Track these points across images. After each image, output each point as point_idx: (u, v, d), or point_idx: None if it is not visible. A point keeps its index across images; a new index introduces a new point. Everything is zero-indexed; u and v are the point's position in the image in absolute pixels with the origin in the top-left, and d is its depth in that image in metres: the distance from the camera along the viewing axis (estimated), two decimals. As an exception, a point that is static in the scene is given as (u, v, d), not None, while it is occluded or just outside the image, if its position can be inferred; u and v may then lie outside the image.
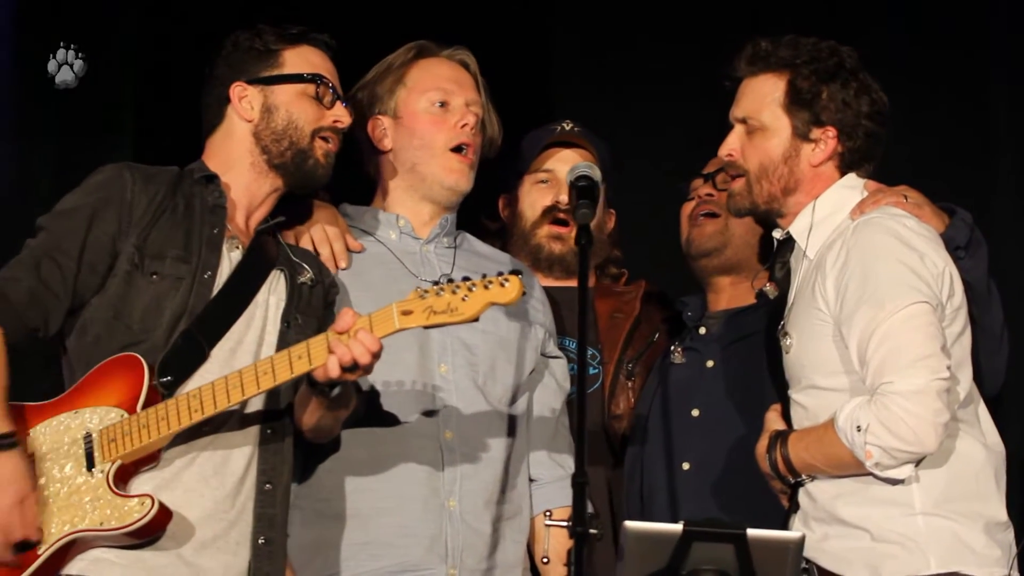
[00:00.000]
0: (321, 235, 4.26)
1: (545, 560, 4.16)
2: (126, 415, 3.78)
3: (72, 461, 3.79)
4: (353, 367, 3.74)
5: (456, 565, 4.12)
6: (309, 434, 4.02)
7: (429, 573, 4.11)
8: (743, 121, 4.09)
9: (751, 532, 3.54)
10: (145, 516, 3.72)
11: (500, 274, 3.69)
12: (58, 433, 3.82)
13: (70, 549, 3.76)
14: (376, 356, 3.74)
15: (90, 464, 3.78)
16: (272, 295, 4.02)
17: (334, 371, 3.74)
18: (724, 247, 4.58)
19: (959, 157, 5.47)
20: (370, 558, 4.11)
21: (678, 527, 3.55)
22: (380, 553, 4.11)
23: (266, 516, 3.93)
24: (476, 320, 3.72)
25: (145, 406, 3.79)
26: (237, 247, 4.00)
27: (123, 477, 3.78)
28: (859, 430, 3.75)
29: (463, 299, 3.68)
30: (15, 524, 3.70)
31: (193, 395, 3.77)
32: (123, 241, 3.90)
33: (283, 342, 3.96)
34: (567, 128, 4.70)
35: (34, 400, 3.90)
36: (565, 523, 3.58)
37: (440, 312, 3.68)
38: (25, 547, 3.74)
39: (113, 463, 3.77)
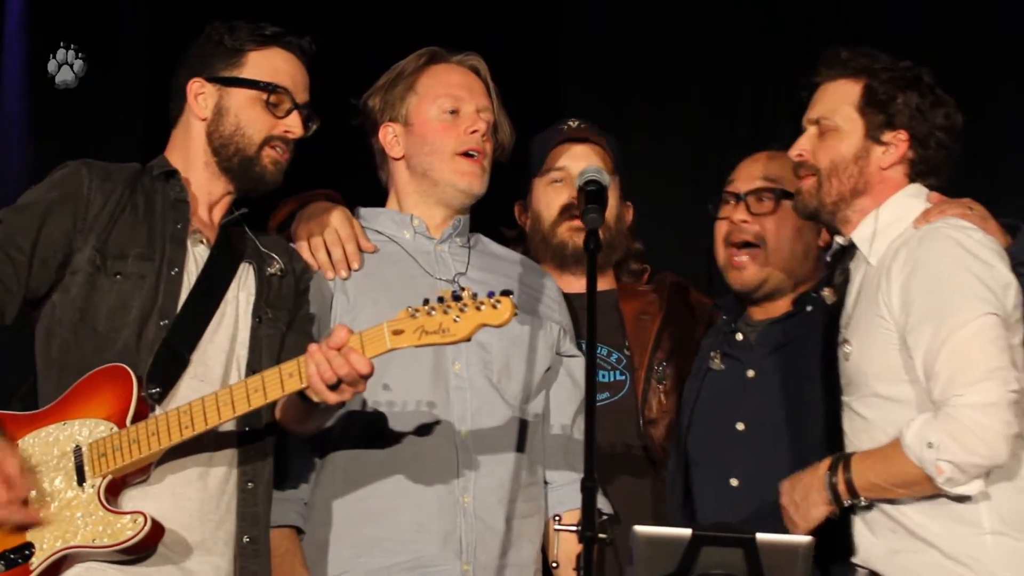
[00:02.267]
0: (334, 237, 4.26)
1: (555, 565, 4.16)
2: (115, 428, 3.78)
3: (62, 475, 3.78)
4: (337, 385, 3.72)
5: (470, 561, 4.13)
6: (292, 431, 4.02)
7: (443, 569, 4.11)
8: (816, 122, 4.08)
9: (760, 536, 3.55)
10: (138, 534, 3.72)
11: (491, 295, 3.67)
12: (47, 445, 3.81)
13: (63, 562, 3.76)
14: (365, 377, 3.73)
15: (80, 478, 3.77)
16: (242, 290, 4.01)
17: (323, 393, 3.74)
18: (765, 283, 4.49)
19: (965, 158, 5.47)
20: (384, 553, 4.11)
21: (687, 531, 3.55)
22: (395, 549, 4.11)
23: (249, 515, 3.93)
24: (468, 341, 3.71)
25: (135, 418, 3.78)
26: (202, 242, 3.99)
27: (114, 491, 3.77)
28: (930, 446, 3.74)
29: (454, 320, 3.66)
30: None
31: (184, 411, 3.76)
32: (79, 239, 3.90)
33: (255, 338, 3.97)
34: (574, 125, 4.69)
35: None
36: (574, 527, 3.58)
37: (431, 332, 3.67)
38: (16, 562, 3.74)
39: (104, 478, 3.76)
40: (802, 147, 4.09)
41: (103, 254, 3.90)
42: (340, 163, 4.27)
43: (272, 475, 4.00)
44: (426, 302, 3.69)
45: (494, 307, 3.66)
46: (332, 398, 3.74)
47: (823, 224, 4.21)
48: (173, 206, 3.98)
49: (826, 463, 3.94)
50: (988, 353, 3.77)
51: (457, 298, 3.68)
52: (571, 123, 4.70)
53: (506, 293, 3.68)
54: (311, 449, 4.16)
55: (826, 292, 4.25)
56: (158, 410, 3.81)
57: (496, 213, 4.55)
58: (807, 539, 3.61)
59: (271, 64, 4.03)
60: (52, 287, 3.90)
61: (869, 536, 3.93)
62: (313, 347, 3.73)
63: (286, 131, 4.01)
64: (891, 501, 3.88)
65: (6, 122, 5.63)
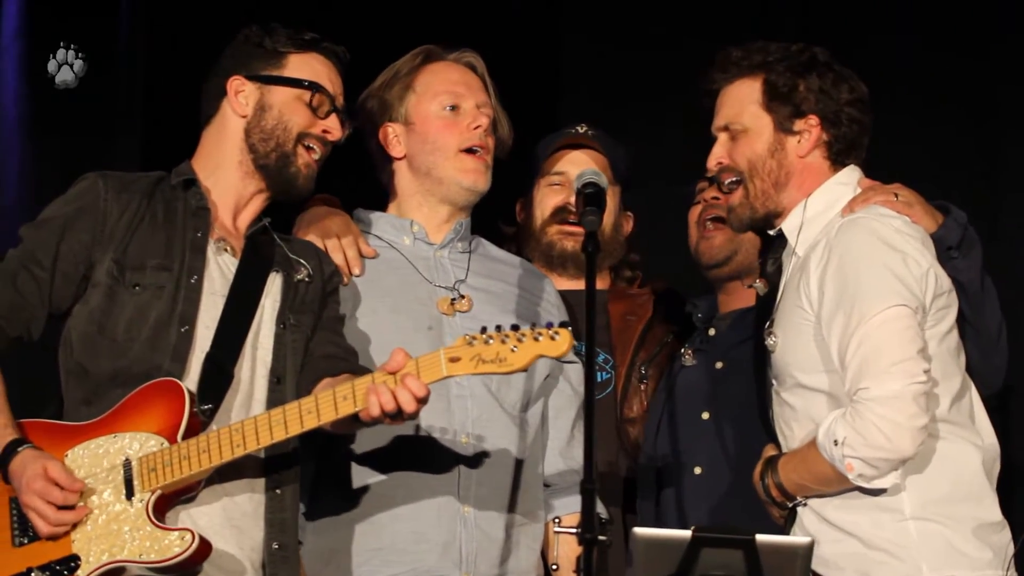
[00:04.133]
0: (334, 243, 4.25)
1: (555, 567, 4.17)
2: (166, 443, 3.76)
3: (111, 488, 3.77)
4: (397, 413, 3.72)
5: (470, 571, 4.12)
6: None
7: (443, 579, 4.12)
8: (725, 128, 4.11)
9: (760, 537, 3.55)
10: (186, 551, 3.70)
11: (550, 325, 3.67)
12: (96, 457, 3.79)
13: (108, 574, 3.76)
14: (423, 402, 3.72)
15: (129, 492, 3.75)
16: (268, 297, 4.00)
17: (378, 418, 3.73)
18: (734, 255, 4.59)
19: (967, 159, 5.48)
20: (383, 564, 4.11)
21: (687, 533, 3.55)
22: (393, 559, 4.11)
23: (277, 521, 3.92)
24: (524, 371, 3.72)
25: (186, 434, 3.77)
26: (225, 249, 3.99)
27: (161, 507, 3.76)
28: (836, 444, 3.76)
29: (512, 349, 3.66)
30: (51, 490, 3.71)
31: (236, 429, 3.75)
32: (99, 251, 3.90)
33: (279, 344, 3.96)
34: (581, 131, 4.71)
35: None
36: (574, 530, 3.58)
37: (488, 361, 3.67)
38: (62, 574, 3.73)
39: (153, 493, 3.75)
40: (718, 155, 4.12)
41: (121, 266, 3.90)
42: (336, 166, 4.27)
43: (299, 481, 3.99)
44: (483, 330, 3.68)
45: (552, 338, 3.66)
46: (386, 423, 3.76)
47: (761, 228, 4.21)
48: (194, 214, 3.98)
49: (757, 469, 3.99)
50: (893, 345, 3.78)
51: (515, 327, 3.68)
52: (578, 128, 4.72)
53: (564, 325, 3.69)
54: (310, 458, 4.14)
55: (758, 283, 4.34)
56: (213, 427, 3.80)
57: (494, 209, 4.54)
58: (807, 540, 3.63)
59: (311, 67, 4.06)
60: (75, 300, 3.91)
61: (796, 529, 3.95)
62: (371, 379, 3.73)
63: (325, 131, 4.04)
64: (819, 495, 3.91)
65: (5, 123, 5.63)
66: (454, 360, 3.69)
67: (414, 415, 3.74)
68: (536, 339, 3.66)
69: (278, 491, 3.92)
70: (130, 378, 3.83)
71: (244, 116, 4.03)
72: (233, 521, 3.87)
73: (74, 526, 3.75)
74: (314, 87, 4.03)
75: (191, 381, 3.85)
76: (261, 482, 3.91)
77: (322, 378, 3.92)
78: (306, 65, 4.06)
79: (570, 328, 3.69)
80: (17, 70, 5.58)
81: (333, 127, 4.05)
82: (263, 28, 4.08)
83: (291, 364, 3.96)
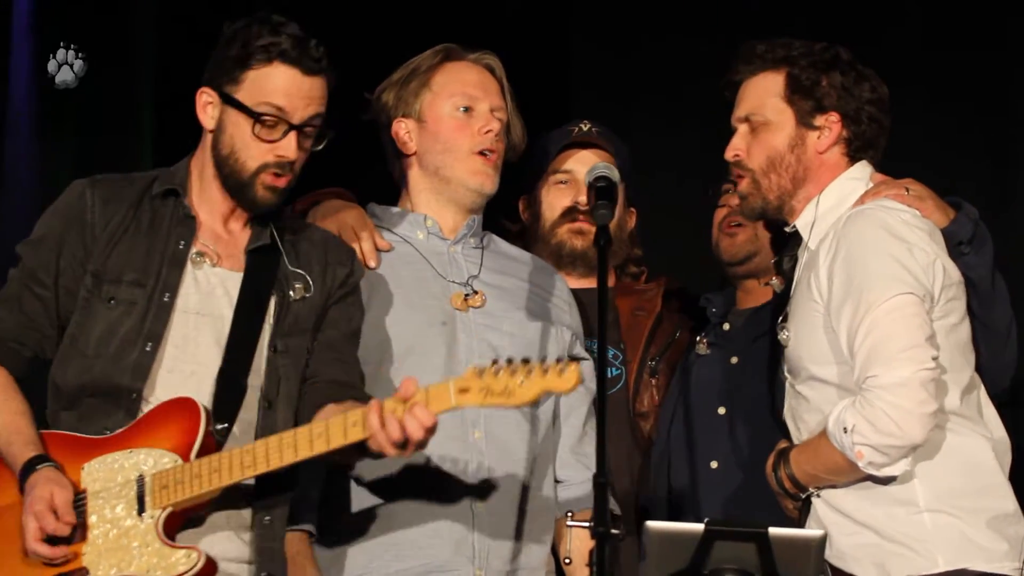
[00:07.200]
0: (350, 235, 4.25)
1: (567, 561, 4.17)
2: (180, 461, 3.76)
3: (123, 503, 3.76)
4: (404, 443, 3.70)
5: (483, 566, 4.13)
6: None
7: (455, 574, 4.11)
8: (746, 120, 4.12)
9: (773, 531, 3.56)
10: (191, 570, 3.70)
11: (559, 360, 3.65)
12: (111, 471, 3.79)
13: None
14: (430, 432, 3.70)
15: (141, 508, 3.75)
16: (264, 321, 3.97)
17: (386, 447, 3.70)
18: (754, 255, 4.60)
19: (977, 154, 5.49)
20: (396, 559, 4.11)
21: (700, 526, 3.56)
22: (406, 554, 4.11)
23: (267, 551, 3.90)
24: (532, 405, 3.73)
25: (200, 453, 3.76)
26: (208, 262, 3.94)
27: (172, 525, 3.76)
28: (846, 432, 3.78)
29: (520, 383, 3.65)
30: (47, 516, 3.70)
31: (247, 451, 3.73)
32: (88, 263, 3.89)
33: (271, 367, 3.92)
34: (584, 128, 4.71)
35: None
36: (587, 523, 3.58)
37: (496, 394, 3.66)
38: None
39: (164, 510, 3.74)
40: (737, 147, 4.13)
41: (99, 278, 3.88)
42: (350, 161, 4.28)
43: (288, 509, 3.96)
44: (494, 362, 3.68)
45: (560, 373, 3.64)
46: (393, 453, 3.72)
47: (773, 220, 4.23)
48: (181, 222, 3.94)
49: (770, 461, 4.00)
50: (902, 332, 3.79)
51: (526, 361, 3.67)
52: (582, 125, 4.72)
53: (574, 359, 3.69)
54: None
55: (775, 281, 4.37)
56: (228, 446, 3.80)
57: (495, 205, 4.52)
58: (819, 533, 3.63)
59: (273, 83, 3.86)
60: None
61: (810, 522, 3.96)
62: (379, 406, 3.70)
63: (279, 156, 3.87)
64: (832, 485, 3.92)
65: (14, 122, 5.64)
66: (463, 391, 3.69)
67: (422, 444, 3.71)
68: (544, 373, 3.65)
69: (267, 519, 3.90)
70: (97, 391, 3.84)
71: (211, 131, 3.94)
72: (227, 542, 3.84)
73: (85, 539, 3.74)
74: (259, 117, 3.85)
75: (156, 399, 3.83)
76: (252, 511, 3.88)
77: (326, 404, 3.89)
78: (267, 81, 3.85)
79: (580, 363, 3.69)
80: (27, 69, 5.58)
81: (287, 150, 3.86)
82: (241, 28, 3.90)
83: (283, 390, 3.92)
